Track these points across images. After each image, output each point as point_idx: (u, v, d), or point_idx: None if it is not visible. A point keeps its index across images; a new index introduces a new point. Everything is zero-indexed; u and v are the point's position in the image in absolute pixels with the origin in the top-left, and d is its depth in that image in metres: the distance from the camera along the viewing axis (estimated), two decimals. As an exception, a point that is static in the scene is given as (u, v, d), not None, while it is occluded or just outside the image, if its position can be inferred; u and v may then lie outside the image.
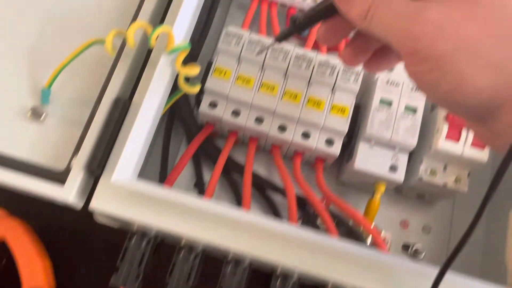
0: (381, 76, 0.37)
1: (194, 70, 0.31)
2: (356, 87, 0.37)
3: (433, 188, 0.37)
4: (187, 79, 0.33)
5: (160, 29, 0.30)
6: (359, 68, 0.38)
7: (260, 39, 0.39)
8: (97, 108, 0.31)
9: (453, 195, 0.37)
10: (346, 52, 0.28)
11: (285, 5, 0.45)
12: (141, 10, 0.33)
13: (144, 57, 0.33)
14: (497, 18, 0.19)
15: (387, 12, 0.21)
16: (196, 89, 0.33)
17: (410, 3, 0.21)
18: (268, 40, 0.39)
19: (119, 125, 0.31)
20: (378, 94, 0.37)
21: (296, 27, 0.29)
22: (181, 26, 0.31)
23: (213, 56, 0.44)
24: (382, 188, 0.37)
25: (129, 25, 0.33)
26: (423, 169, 0.36)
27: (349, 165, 0.38)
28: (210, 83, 0.37)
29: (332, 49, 0.43)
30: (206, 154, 0.40)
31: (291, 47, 0.39)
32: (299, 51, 0.39)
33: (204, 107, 0.37)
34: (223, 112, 0.37)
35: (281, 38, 0.31)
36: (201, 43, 0.44)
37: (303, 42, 0.43)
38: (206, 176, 0.41)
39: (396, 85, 0.37)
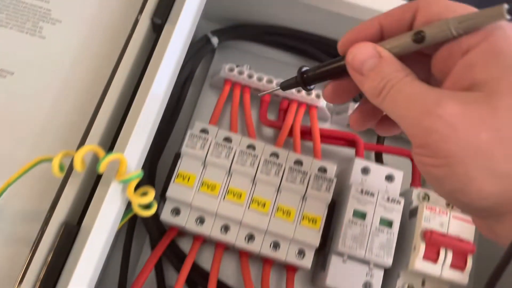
0: (355, 184, 0.35)
1: (147, 198, 0.29)
2: (329, 196, 0.35)
3: (410, 304, 0.35)
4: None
5: (111, 157, 0.28)
6: (332, 175, 0.36)
7: (229, 136, 0.37)
8: (45, 229, 0.29)
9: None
10: (354, 116, 0.27)
11: (259, 90, 0.42)
12: (92, 129, 0.30)
13: (95, 178, 0.31)
14: (510, 131, 0.18)
15: (402, 96, 0.21)
16: (152, 211, 0.30)
17: (427, 91, 0.20)
18: (237, 137, 0.37)
19: (67, 252, 0.28)
20: (351, 205, 0.34)
21: (303, 80, 0.27)
22: (134, 151, 0.29)
23: (181, 145, 0.42)
24: (356, 303, 0.35)
25: (78, 146, 0.30)
26: (400, 285, 0.34)
27: (321, 277, 0.35)
28: (172, 190, 0.34)
29: (306, 137, 0.41)
30: (169, 260, 0.37)
31: (259, 151, 0.36)
32: (268, 151, 0.36)
33: (166, 214, 0.35)
34: (186, 220, 0.35)
35: (286, 87, 0.29)
36: (169, 129, 0.42)
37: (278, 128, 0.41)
38: (171, 280, 0.38)
39: (370, 195, 0.35)
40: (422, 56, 0.24)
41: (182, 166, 0.35)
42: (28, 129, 0.33)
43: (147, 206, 0.30)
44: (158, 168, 0.40)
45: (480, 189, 0.19)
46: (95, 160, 0.30)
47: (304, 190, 0.35)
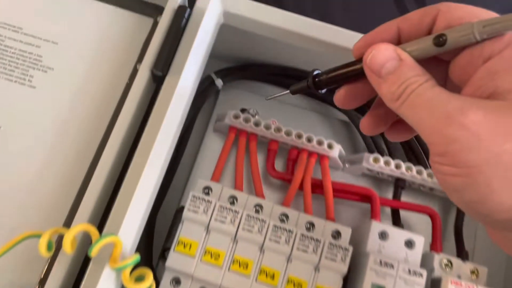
0: (373, 253, 0.32)
1: (145, 284, 0.26)
2: (344, 268, 0.31)
3: None
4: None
5: (105, 241, 0.25)
6: (347, 240, 0.33)
7: (234, 195, 0.34)
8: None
9: None
10: (365, 121, 0.26)
11: (266, 137, 0.39)
12: (82, 201, 0.27)
13: (84, 256, 0.28)
14: None
15: (422, 101, 0.20)
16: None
17: (449, 97, 0.19)
18: (243, 197, 0.34)
19: None
20: (369, 278, 0.31)
21: (316, 84, 0.26)
22: (130, 231, 0.26)
23: (182, 198, 0.39)
24: None
25: (66, 219, 0.27)
26: None
27: None
28: (172, 259, 0.31)
29: (318, 191, 0.38)
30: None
31: (267, 213, 0.33)
32: (278, 212, 0.33)
33: (165, 285, 0.32)
34: (187, 293, 0.31)
35: (296, 91, 0.28)
36: (169, 179, 0.39)
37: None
38: None
39: (390, 267, 0.31)
40: (438, 62, 0.23)
41: (183, 232, 0.32)
42: (12, 194, 0.30)
43: (144, 288, 0.27)
44: (157, 221, 0.37)
45: (501, 202, 0.18)
46: (85, 237, 0.27)
47: (317, 260, 0.32)
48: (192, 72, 0.31)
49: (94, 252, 0.24)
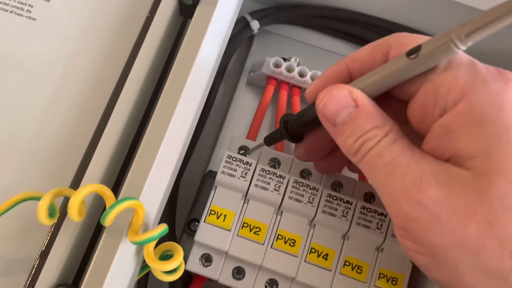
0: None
1: (173, 264, 0.20)
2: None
3: None
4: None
5: (124, 206, 0.19)
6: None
7: (276, 157, 0.28)
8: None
9: None
10: (299, 151, 0.25)
11: (312, 91, 0.33)
12: (94, 155, 0.21)
13: (96, 223, 0.22)
14: (503, 225, 0.16)
15: (380, 164, 0.18)
16: (178, 275, 0.21)
17: (409, 163, 0.18)
18: (287, 159, 0.28)
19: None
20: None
21: (290, 133, 0.24)
22: (155, 195, 0.20)
23: (209, 161, 0.33)
24: None
25: (73, 179, 0.21)
26: None
27: None
28: (203, 233, 0.25)
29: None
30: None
31: (317, 179, 0.27)
32: (331, 179, 0.27)
33: (193, 263, 0.26)
34: (219, 272, 0.26)
35: (271, 140, 0.26)
36: (195, 139, 0.32)
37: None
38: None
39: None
40: (399, 102, 0.20)
41: (216, 200, 0.26)
42: (8, 150, 0.24)
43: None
44: (180, 188, 0.31)
45: (472, 286, 0.17)
46: (97, 202, 0.22)
47: (383, 238, 0.25)
48: (231, 1, 0.24)
49: (108, 220, 0.19)
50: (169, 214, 0.30)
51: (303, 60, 0.35)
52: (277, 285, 0.26)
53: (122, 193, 0.20)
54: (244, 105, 0.35)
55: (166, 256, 0.20)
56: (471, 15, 0.26)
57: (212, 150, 0.33)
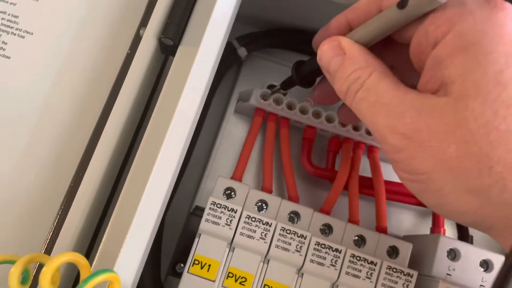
0: (443, 283, 0.25)
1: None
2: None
3: None
4: None
5: (100, 278, 0.18)
6: (406, 260, 0.26)
7: (263, 199, 0.27)
8: None
9: None
10: (314, 94, 0.27)
11: (301, 123, 0.32)
12: (65, 221, 0.20)
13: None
14: (479, 144, 0.17)
15: (365, 105, 0.19)
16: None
17: (392, 98, 0.19)
18: (275, 202, 0.27)
19: None
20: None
21: (299, 75, 0.26)
22: (131, 264, 0.19)
23: (196, 196, 0.32)
24: None
25: (45, 246, 0.20)
26: None
27: None
28: (186, 284, 0.24)
29: (365, 192, 0.30)
30: None
31: (305, 223, 0.26)
32: (319, 222, 0.26)
33: (177, 314, 0.25)
34: (204, 324, 0.25)
35: (286, 86, 0.28)
36: (180, 172, 0.31)
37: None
38: None
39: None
40: (401, 47, 0.21)
41: (200, 248, 0.25)
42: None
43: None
44: (166, 224, 0.30)
45: (456, 206, 0.18)
46: (70, 269, 0.21)
47: (373, 287, 0.25)
48: (216, 40, 0.23)
49: (82, 294, 0.18)
50: (153, 254, 0.29)
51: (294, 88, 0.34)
52: (264, 335, 0.25)
53: (97, 260, 0.19)
54: (232, 134, 0.33)
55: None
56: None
57: (199, 182, 0.32)
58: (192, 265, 0.25)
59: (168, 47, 0.25)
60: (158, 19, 0.24)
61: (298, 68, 0.26)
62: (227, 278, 0.25)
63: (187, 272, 0.25)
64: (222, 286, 0.25)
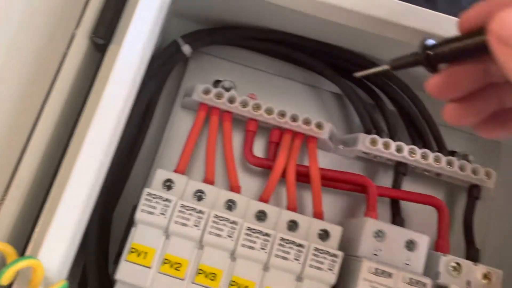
0: (367, 261, 0.26)
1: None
2: (332, 278, 0.26)
3: None
4: None
5: (20, 265, 0.19)
6: (336, 242, 0.28)
7: (201, 189, 0.28)
8: None
9: None
10: (434, 83, 0.21)
11: (243, 116, 0.33)
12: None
13: None
14: None
15: None
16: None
17: None
18: (212, 191, 0.28)
19: None
20: (362, 292, 0.26)
21: (428, 58, 0.21)
22: (56, 251, 0.20)
23: (141, 193, 0.33)
24: None
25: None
26: None
27: None
28: (123, 271, 0.26)
29: (303, 180, 0.32)
30: None
31: (241, 211, 0.28)
32: (254, 210, 0.28)
33: (117, 300, 0.26)
34: (143, 308, 0.26)
35: (399, 66, 0.23)
36: (129, 165, 0.33)
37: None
38: None
39: (387, 276, 0.26)
40: None
41: (137, 238, 0.26)
42: None
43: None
44: (115, 219, 0.31)
45: None
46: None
47: (300, 269, 0.26)
48: (141, 37, 0.24)
49: (4, 279, 0.19)
50: (101, 247, 0.30)
51: (240, 81, 0.36)
52: (201, 317, 0.26)
53: (29, 248, 0.21)
54: (179, 129, 0.35)
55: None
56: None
57: (148, 176, 0.34)
58: (129, 253, 0.26)
59: (100, 46, 0.26)
60: (90, 19, 0.26)
61: (427, 46, 0.21)
62: (163, 264, 0.26)
63: (125, 260, 0.26)
64: (158, 272, 0.26)
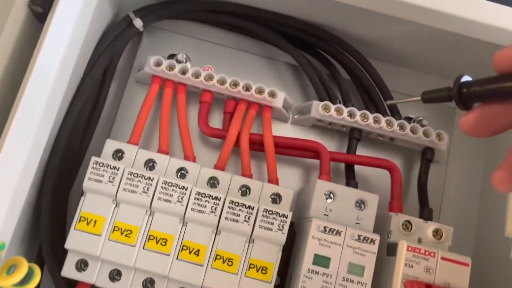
0: (316, 220, 0.27)
1: (17, 276, 0.20)
2: (282, 237, 0.26)
3: None
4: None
5: None
6: (288, 204, 0.28)
7: (152, 158, 0.28)
8: None
9: None
10: (468, 120, 0.20)
11: (197, 88, 0.33)
12: None
13: None
14: None
15: None
16: (33, 285, 0.22)
17: None
18: (163, 159, 0.28)
19: None
20: (311, 249, 0.26)
21: (464, 96, 0.21)
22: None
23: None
24: None
25: None
26: None
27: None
28: (73, 239, 0.26)
29: (257, 149, 0.32)
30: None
31: (192, 178, 0.28)
32: (206, 176, 0.28)
33: (68, 269, 0.26)
34: (95, 277, 0.26)
35: (430, 99, 0.23)
36: (85, 142, 0.32)
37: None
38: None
39: (336, 233, 0.27)
40: None
41: (86, 206, 0.26)
42: None
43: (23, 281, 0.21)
44: (71, 200, 0.31)
45: None
46: None
47: (250, 230, 0.26)
48: (75, 3, 0.24)
49: None
50: (56, 221, 0.30)
51: (195, 55, 0.36)
52: (153, 283, 0.26)
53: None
54: (134, 104, 0.35)
55: (11, 272, 0.21)
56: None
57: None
58: (79, 222, 0.26)
59: (40, 14, 0.25)
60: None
61: (463, 84, 0.21)
62: (113, 232, 0.26)
63: (74, 229, 0.26)
64: (108, 239, 0.26)
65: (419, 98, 0.24)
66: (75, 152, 0.32)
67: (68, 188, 0.31)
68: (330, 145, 0.35)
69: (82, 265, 0.26)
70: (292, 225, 0.30)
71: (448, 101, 0.22)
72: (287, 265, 0.29)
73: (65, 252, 0.27)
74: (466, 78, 0.21)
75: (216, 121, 0.35)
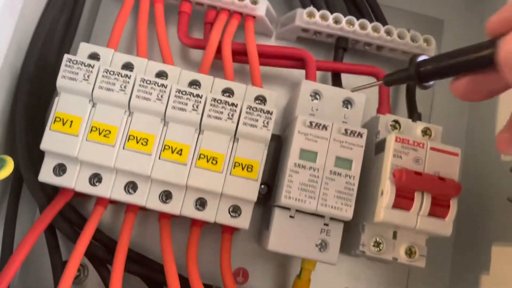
0: (302, 115, 0.26)
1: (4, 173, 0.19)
2: (267, 134, 0.26)
3: (380, 261, 0.28)
4: None
5: None
6: (272, 105, 0.27)
7: (129, 61, 0.27)
8: None
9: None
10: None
11: (175, -3, 0.31)
12: None
13: None
14: None
15: None
16: (5, 173, 0.21)
17: None
18: (141, 62, 0.27)
19: None
20: (297, 144, 0.25)
21: (420, 75, 0.22)
22: None
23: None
24: (311, 266, 0.28)
25: None
26: (366, 240, 0.26)
27: (266, 237, 0.27)
28: (49, 140, 0.25)
29: (242, 60, 0.31)
30: (62, 229, 0.28)
31: (173, 79, 0.27)
32: (187, 79, 0.27)
33: (46, 174, 0.25)
34: (75, 180, 0.25)
35: (391, 81, 0.24)
36: (60, 57, 0.31)
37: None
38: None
39: (323, 128, 0.26)
40: None
41: (61, 106, 0.25)
42: None
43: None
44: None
45: None
46: None
47: (234, 127, 0.25)
48: None
49: None
50: (36, 133, 0.28)
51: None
52: (136, 187, 0.26)
53: None
54: (110, 18, 0.33)
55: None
56: None
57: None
58: (54, 122, 0.25)
59: None
60: None
61: (419, 64, 0.22)
62: (91, 132, 0.25)
63: (49, 129, 0.25)
64: (86, 140, 0.25)
65: (382, 81, 0.24)
66: (53, 63, 0.30)
67: (48, 100, 0.30)
68: (316, 58, 0.34)
69: (60, 170, 0.25)
70: (278, 138, 0.29)
71: (409, 81, 0.23)
72: (274, 176, 0.28)
73: (42, 160, 0.26)
74: (422, 57, 0.22)
75: (196, 35, 0.33)
